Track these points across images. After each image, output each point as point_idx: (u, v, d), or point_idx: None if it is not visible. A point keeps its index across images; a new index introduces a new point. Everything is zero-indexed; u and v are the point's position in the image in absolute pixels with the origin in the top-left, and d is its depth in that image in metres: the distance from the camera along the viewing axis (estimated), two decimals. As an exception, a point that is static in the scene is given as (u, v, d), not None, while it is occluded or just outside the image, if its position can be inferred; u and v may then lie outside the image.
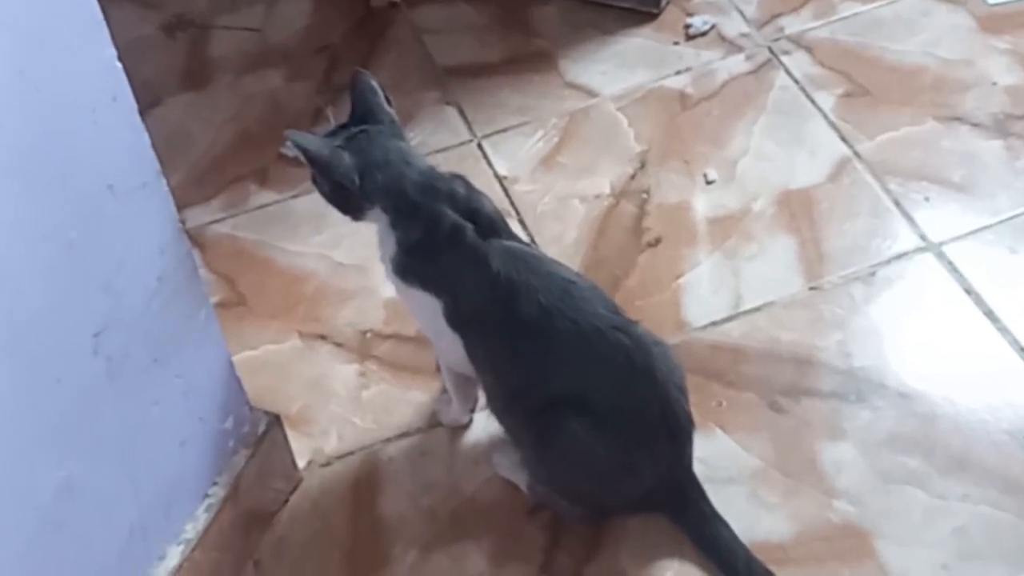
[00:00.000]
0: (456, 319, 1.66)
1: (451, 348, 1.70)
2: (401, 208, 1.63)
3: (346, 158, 1.61)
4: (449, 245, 1.63)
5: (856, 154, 2.20)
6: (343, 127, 1.66)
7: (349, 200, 1.64)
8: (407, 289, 1.68)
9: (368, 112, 1.66)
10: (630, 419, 1.61)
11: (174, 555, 1.62)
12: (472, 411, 1.86)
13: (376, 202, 1.64)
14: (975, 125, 2.23)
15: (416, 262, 1.65)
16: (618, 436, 1.60)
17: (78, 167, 1.30)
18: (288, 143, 1.65)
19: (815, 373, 1.89)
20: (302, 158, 1.63)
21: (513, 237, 1.70)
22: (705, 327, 1.97)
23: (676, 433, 1.65)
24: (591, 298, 1.64)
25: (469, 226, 1.62)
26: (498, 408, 1.72)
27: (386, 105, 1.67)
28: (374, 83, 1.67)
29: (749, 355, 1.92)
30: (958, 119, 2.24)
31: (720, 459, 1.77)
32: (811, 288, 2.00)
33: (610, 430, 1.60)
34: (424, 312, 1.70)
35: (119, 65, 1.32)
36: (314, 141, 1.63)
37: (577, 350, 1.61)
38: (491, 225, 1.65)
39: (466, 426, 1.87)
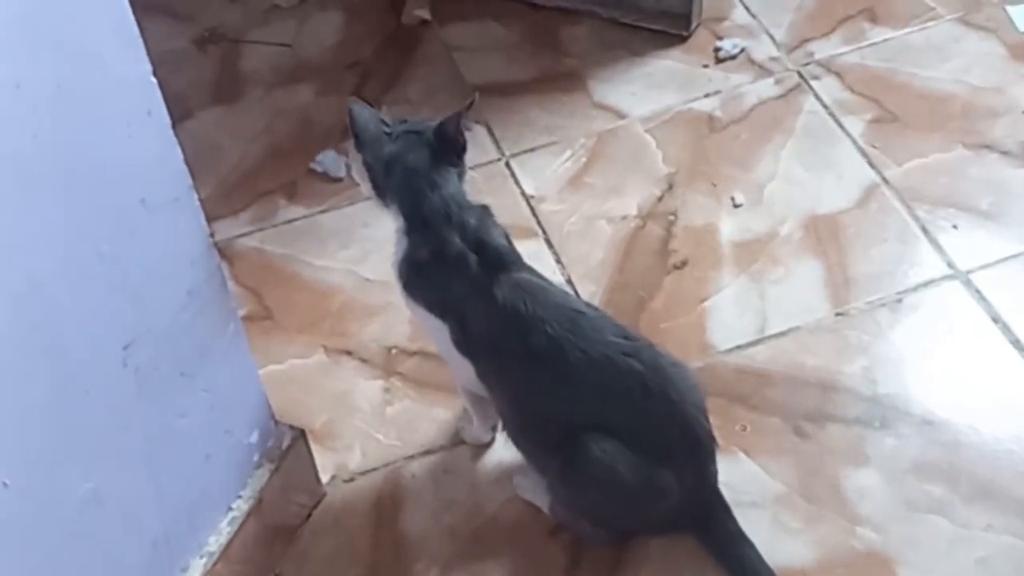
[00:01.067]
0: (464, 345, 1.67)
1: (463, 370, 1.71)
2: (413, 222, 1.65)
3: (385, 147, 1.64)
4: (454, 272, 1.64)
5: (884, 180, 2.19)
6: (406, 122, 1.68)
7: (375, 185, 1.67)
8: (413, 305, 1.70)
9: (441, 132, 1.65)
10: (650, 442, 1.61)
11: (196, 568, 1.63)
12: (494, 429, 1.86)
13: (393, 203, 1.66)
14: (1004, 153, 2.22)
15: (422, 281, 1.67)
16: (639, 459, 1.60)
17: (112, 180, 1.31)
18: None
19: (840, 399, 1.88)
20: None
21: (525, 269, 1.70)
22: (730, 350, 1.96)
23: (697, 451, 1.65)
24: (600, 327, 1.64)
25: (473, 257, 1.63)
26: (514, 434, 1.72)
27: (459, 140, 1.67)
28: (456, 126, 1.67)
29: (774, 379, 1.92)
30: (987, 147, 2.24)
31: (743, 483, 1.76)
32: (837, 313, 2.00)
33: (631, 454, 1.60)
34: (432, 331, 1.72)
35: (154, 80, 1.34)
36: (368, 116, 1.66)
37: (589, 380, 1.61)
38: (497, 258, 1.66)
39: (488, 444, 1.87)
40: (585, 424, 1.61)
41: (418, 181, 1.64)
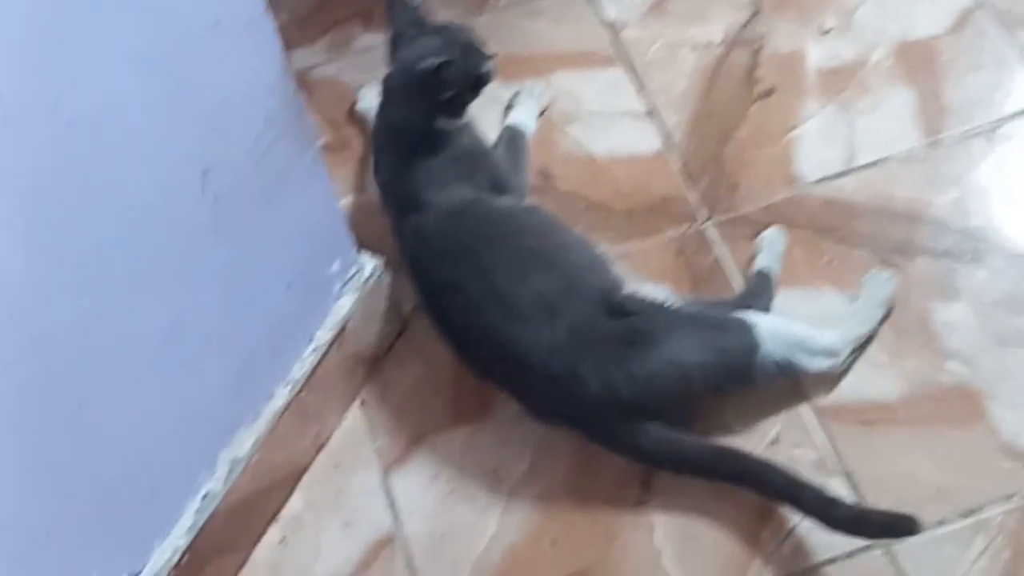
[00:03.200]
0: None
1: None
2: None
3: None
4: None
5: (980, 3, 2.09)
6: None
7: None
8: None
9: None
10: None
11: (281, 396, 1.64)
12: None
13: None
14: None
15: None
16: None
17: (185, 1, 1.28)
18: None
19: (929, 231, 1.83)
20: None
21: None
22: (817, 182, 1.91)
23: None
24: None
25: None
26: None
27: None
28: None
29: (862, 211, 1.87)
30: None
31: (827, 317, 1.73)
32: (929, 143, 1.93)
33: None
34: None
35: (225, -102, 1.29)
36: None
37: None
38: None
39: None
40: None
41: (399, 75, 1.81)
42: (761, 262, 1.79)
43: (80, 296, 1.27)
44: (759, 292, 1.76)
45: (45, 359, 1.25)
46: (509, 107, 2.02)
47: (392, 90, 1.82)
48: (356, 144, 2.07)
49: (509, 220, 1.76)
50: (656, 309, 1.66)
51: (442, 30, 1.81)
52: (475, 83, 1.77)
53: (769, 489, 1.58)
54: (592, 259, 1.73)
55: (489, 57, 1.78)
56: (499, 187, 1.80)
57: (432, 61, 1.71)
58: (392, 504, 1.70)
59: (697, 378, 1.62)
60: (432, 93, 1.73)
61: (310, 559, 1.67)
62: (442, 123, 1.77)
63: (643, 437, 1.62)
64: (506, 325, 1.64)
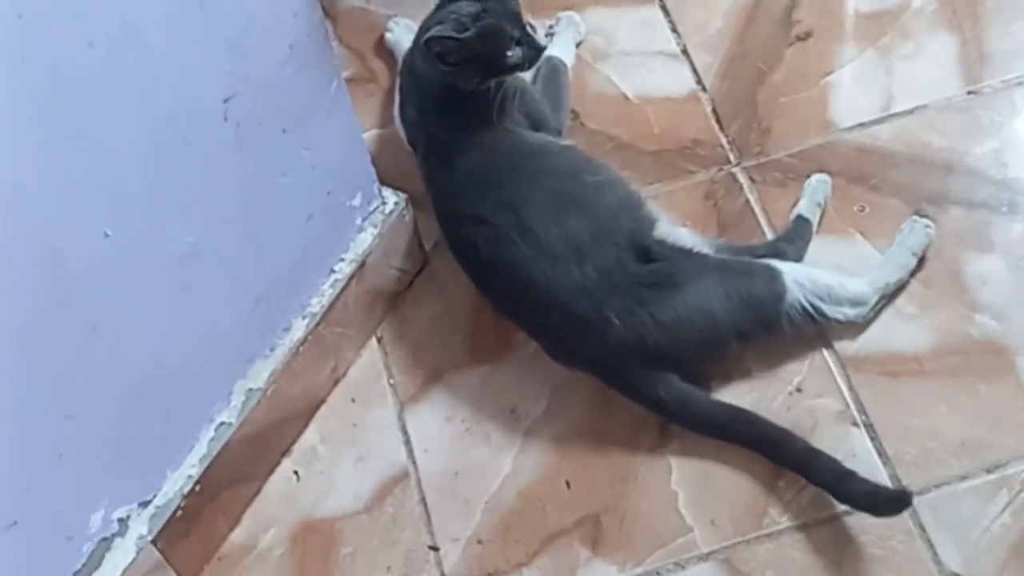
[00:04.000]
0: None
1: None
2: None
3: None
4: None
5: (1029, -51, 2.04)
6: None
7: None
8: None
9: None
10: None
11: (298, 328, 1.63)
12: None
13: None
14: None
15: None
16: None
17: (208, -79, 1.26)
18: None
19: (966, 182, 1.79)
20: None
21: None
22: (852, 128, 1.87)
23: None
24: None
25: None
26: None
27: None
28: None
29: (897, 159, 1.83)
30: None
31: (858, 266, 1.70)
32: (969, 92, 1.88)
33: None
34: None
35: None
36: None
37: None
38: None
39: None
40: None
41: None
42: (802, 207, 1.76)
43: (97, 214, 1.26)
44: (794, 237, 1.73)
45: (62, 277, 1.24)
46: (547, 37, 1.96)
47: (416, 40, 1.77)
48: (383, 77, 2.04)
49: (544, 157, 1.72)
50: (685, 255, 1.64)
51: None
52: (492, 67, 1.66)
53: (783, 457, 1.56)
54: (625, 200, 1.70)
55: (523, 44, 1.67)
56: (537, 124, 1.77)
57: (428, 34, 1.64)
58: (407, 440, 1.69)
59: (724, 324, 1.60)
60: (435, 63, 1.67)
61: (323, 492, 1.66)
62: (464, 85, 1.69)
63: (663, 388, 1.60)
64: (534, 263, 1.61)
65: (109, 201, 1.26)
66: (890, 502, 1.50)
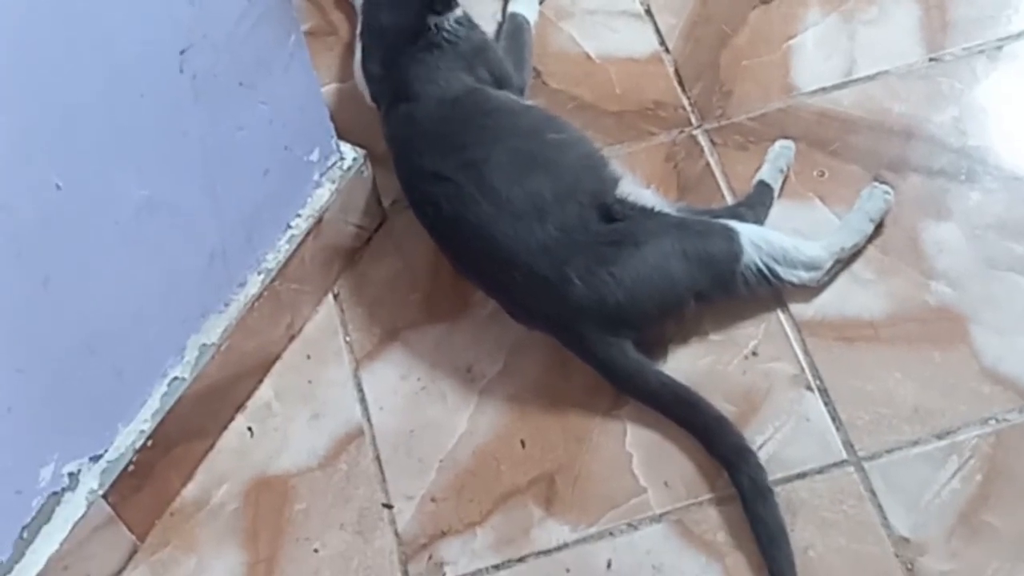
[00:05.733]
0: None
1: None
2: None
3: None
4: None
5: (994, -84, 2.03)
6: None
7: None
8: None
9: None
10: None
11: (254, 283, 1.62)
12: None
13: None
14: None
15: None
16: None
17: None
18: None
19: (925, 149, 1.80)
20: None
21: None
22: (814, 92, 1.87)
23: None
24: None
25: None
26: None
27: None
28: None
29: (857, 125, 1.83)
30: None
31: (816, 231, 1.70)
32: (931, 59, 1.89)
33: None
34: None
35: None
36: None
37: None
38: None
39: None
40: None
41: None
42: (764, 172, 1.76)
43: (49, 164, 1.24)
44: (755, 203, 1.73)
45: (11, 228, 1.22)
46: (507, -1, 1.96)
47: None
48: (343, 30, 2.01)
49: (507, 115, 1.72)
50: (646, 214, 1.63)
51: None
52: None
53: (713, 449, 1.57)
54: (588, 159, 1.69)
55: None
56: (500, 81, 1.76)
57: None
58: (362, 398, 1.68)
59: (681, 283, 1.60)
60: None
61: (277, 448, 1.65)
62: (433, 19, 1.72)
63: (617, 354, 1.60)
64: (495, 221, 1.60)
65: (61, 152, 1.24)
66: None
